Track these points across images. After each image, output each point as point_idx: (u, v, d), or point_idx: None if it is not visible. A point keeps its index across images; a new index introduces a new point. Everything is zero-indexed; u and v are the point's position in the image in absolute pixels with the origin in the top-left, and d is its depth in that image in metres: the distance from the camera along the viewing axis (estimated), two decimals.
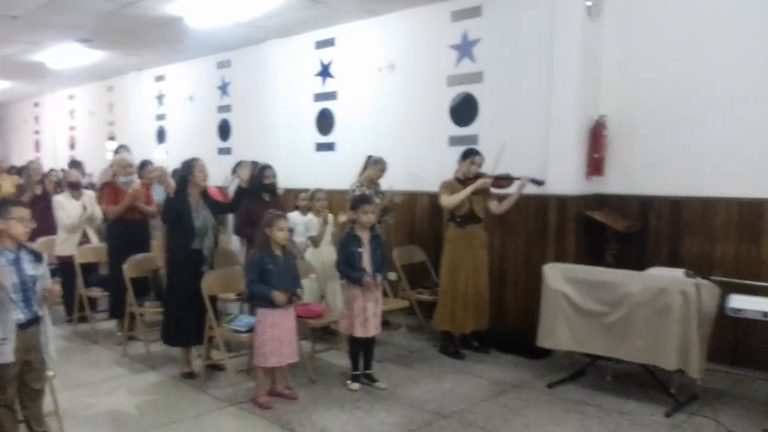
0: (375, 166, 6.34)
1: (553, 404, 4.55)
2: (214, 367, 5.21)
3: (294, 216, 6.36)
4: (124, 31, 8.17)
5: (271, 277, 4.49)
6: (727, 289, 4.27)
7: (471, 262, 5.55)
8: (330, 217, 6.18)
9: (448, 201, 5.50)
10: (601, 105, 5.83)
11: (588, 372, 5.00)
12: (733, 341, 5.08)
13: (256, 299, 4.61)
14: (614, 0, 5.80)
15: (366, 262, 4.82)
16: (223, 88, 9.63)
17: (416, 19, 7.06)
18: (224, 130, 9.69)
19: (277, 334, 4.50)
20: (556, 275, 4.85)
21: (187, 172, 5.05)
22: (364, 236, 4.88)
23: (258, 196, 5.91)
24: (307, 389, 4.82)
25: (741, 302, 4.01)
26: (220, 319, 4.99)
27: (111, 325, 6.42)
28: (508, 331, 5.91)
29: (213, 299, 4.97)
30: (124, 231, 6.01)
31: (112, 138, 12.18)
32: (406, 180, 6.76)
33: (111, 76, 11.89)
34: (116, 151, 7.74)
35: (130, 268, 5.50)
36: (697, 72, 5.35)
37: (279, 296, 4.46)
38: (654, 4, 5.60)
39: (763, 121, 5.04)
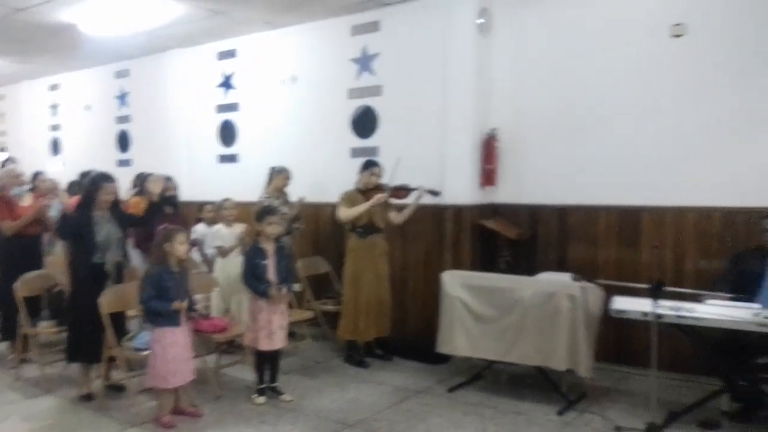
0: (279, 175, 6.36)
1: (454, 408, 4.67)
2: (115, 388, 5.01)
3: (200, 228, 6.27)
4: (15, 38, 7.74)
5: (169, 294, 4.33)
6: (610, 291, 4.49)
7: (372, 272, 5.63)
8: (242, 227, 6.11)
9: (345, 214, 5.57)
10: (493, 118, 6.03)
11: (485, 375, 5.17)
12: (617, 341, 5.37)
13: (153, 317, 4.41)
14: (504, 18, 6.02)
15: (271, 274, 4.79)
16: (122, 98, 9.30)
17: (317, 33, 7.08)
18: (123, 142, 9.34)
19: (176, 352, 4.35)
20: (454, 282, 4.98)
21: (94, 189, 4.83)
22: (269, 248, 4.85)
23: (159, 209, 5.75)
24: (212, 405, 4.73)
25: (623, 304, 4.21)
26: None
27: (2, 347, 6.06)
28: (410, 338, 6.02)
29: (119, 316, 4.81)
30: (17, 247, 5.67)
31: (2, 149, 11.52)
32: (309, 191, 6.73)
33: (2, 85, 11.23)
34: (3, 165, 7.32)
35: (22, 287, 5.22)
36: (581, 87, 5.64)
37: (179, 304, 4.30)
38: (540, 23, 5.86)
39: (639, 134, 5.36)
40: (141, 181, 6.47)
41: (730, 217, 4.99)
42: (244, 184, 7.10)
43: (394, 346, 5.88)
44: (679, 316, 3.93)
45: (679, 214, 5.20)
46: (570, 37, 5.70)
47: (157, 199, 5.40)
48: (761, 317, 3.71)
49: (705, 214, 5.10)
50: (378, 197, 5.51)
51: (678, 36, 5.18)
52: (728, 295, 4.06)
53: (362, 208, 5.52)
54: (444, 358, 5.48)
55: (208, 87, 8.11)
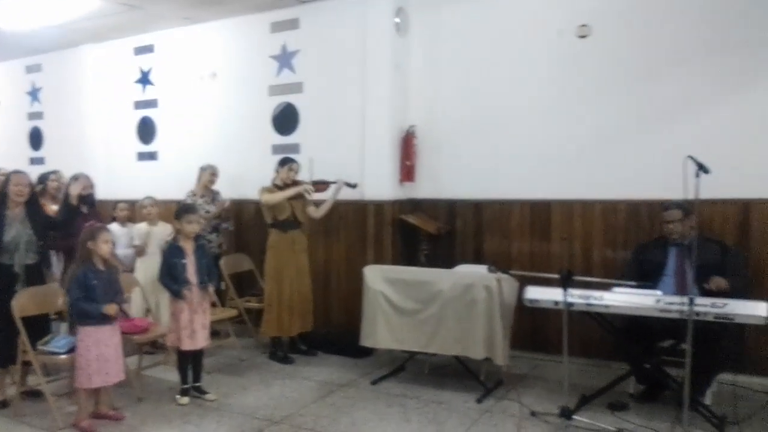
0: (204, 172, 6.27)
1: (377, 400, 4.67)
2: (31, 394, 4.75)
3: (114, 228, 6.02)
4: None
5: (96, 293, 4.15)
6: (524, 281, 4.56)
7: (294, 267, 5.56)
8: (165, 226, 5.93)
9: (269, 197, 5.48)
10: (411, 115, 6.07)
11: (407, 367, 5.20)
12: (532, 329, 5.50)
13: (82, 317, 4.21)
14: (420, 18, 6.06)
15: (191, 273, 4.66)
16: (34, 94, 8.82)
17: (237, 29, 6.92)
18: (35, 139, 8.87)
19: (102, 352, 4.16)
20: (375, 276, 4.98)
21: (3, 184, 4.59)
22: (188, 246, 4.71)
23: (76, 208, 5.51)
24: (134, 408, 4.56)
25: (535, 293, 4.26)
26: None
27: None
28: (334, 332, 6.00)
29: (41, 319, 4.56)
30: None
31: None
32: (231, 188, 6.61)
33: None
34: None
35: None
36: (493, 86, 5.74)
37: (111, 308, 4.14)
38: (454, 24, 5.91)
39: (548, 130, 5.50)
40: (43, 180, 6.18)
41: (635, 209, 5.19)
42: (165, 182, 6.90)
43: (318, 340, 5.84)
44: (588, 304, 4.03)
45: (587, 207, 5.37)
46: (482, 37, 5.79)
47: (77, 201, 5.20)
48: (662, 303, 3.84)
49: (611, 206, 5.28)
50: (305, 187, 5.46)
51: (584, 37, 5.35)
52: (633, 284, 4.18)
53: (288, 193, 5.45)
54: (368, 351, 5.49)
55: (125, 83, 7.80)
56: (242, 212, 6.76)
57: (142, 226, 5.96)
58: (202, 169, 6.33)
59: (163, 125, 7.57)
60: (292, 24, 6.53)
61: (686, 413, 3.63)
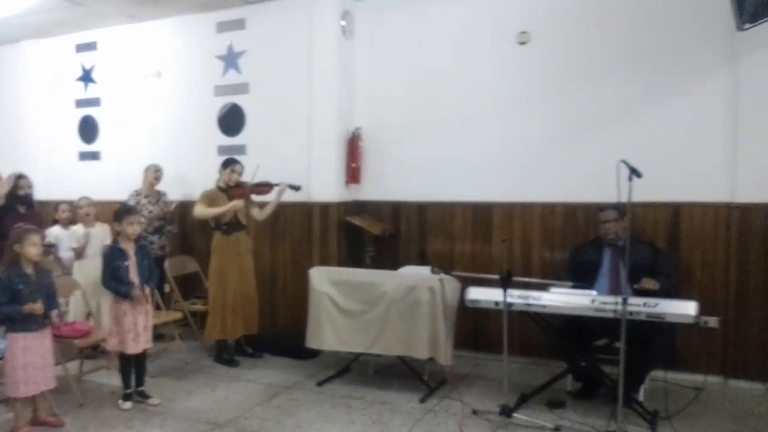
0: (148, 171, 6.15)
1: (323, 401, 4.64)
2: None
3: (55, 230, 5.84)
4: None
5: (23, 298, 3.95)
6: (466, 282, 4.57)
7: (238, 269, 5.48)
8: (103, 227, 5.76)
9: (199, 211, 5.43)
10: (357, 118, 6.06)
11: (353, 368, 5.19)
12: (474, 329, 5.55)
13: (8, 323, 4.01)
14: (366, 21, 6.04)
15: (133, 275, 4.54)
16: None
17: (182, 28, 6.77)
18: None
19: (30, 360, 3.98)
20: (321, 278, 4.94)
21: None
22: (130, 248, 4.59)
23: (12, 209, 5.32)
24: (74, 414, 4.42)
25: (477, 294, 4.30)
26: None
27: None
28: (280, 334, 5.94)
29: None
30: None
31: None
32: (177, 189, 6.49)
33: None
34: None
35: None
36: (436, 90, 5.76)
37: (32, 306, 3.94)
38: (399, 28, 5.92)
39: (490, 134, 5.55)
40: None
41: (571, 211, 5.28)
42: (108, 183, 6.72)
43: (264, 343, 5.76)
44: (527, 304, 4.09)
45: (526, 209, 5.44)
46: (426, 41, 5.80)
47: (4, 201, 5.00)
48: (597, 303, 3.92)
49: (549, 209, 5.36)
50: (235, 203, 5.38)
51: (523, 43, 5.41)
52: (570, 284, 4.26)
53: (217, 211, 5.39)
54: (314, 353, 5.45)
55: (67, 80, 7.54)
56: (187, 214, 6.59)
57: (78, 228, 5.76)
58: (147, 169, 6.22)
59: (105, 124, 7.34)
60: (238, 24, 6.42)
61: (620, 409, 3.71)
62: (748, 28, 4.23)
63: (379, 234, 5.76)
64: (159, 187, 6.31)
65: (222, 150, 6.48)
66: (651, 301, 3.86)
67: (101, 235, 5.74)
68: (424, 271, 4.83)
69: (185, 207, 6.51)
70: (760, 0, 3.91)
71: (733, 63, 4.75)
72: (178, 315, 5.70)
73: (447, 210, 5.74)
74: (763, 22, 4.17)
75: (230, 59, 6.50)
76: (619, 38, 5.10)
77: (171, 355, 5.73)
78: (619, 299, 3.70)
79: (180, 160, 6.69)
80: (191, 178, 6.51)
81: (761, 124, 4.66)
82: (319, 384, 4.98)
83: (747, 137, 4.70)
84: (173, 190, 6.40)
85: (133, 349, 4.54)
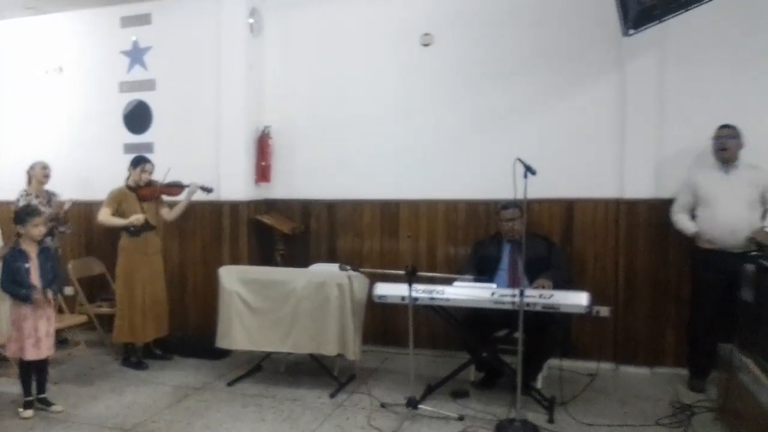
0: (32, 170, 5.78)
1: (233, 401, 4.57)
2: None
3: None
4: None
5: None
6: (374, 278, 4.61)
7: (147, 270, 5.31)
8: None
9: (102, 218, 5.25)
10: (266, 116, 5.96)
11: (264, 366, 5.13)
12: (382, 324, 5.60)
13: None
14: (273, 20, 5.95)
15: (35, 278, 4.32)
16: None
17: (85, 22, 6.46)
18: None
19: None
20: (231, 277, 4.85)
21: None
22: (32, 250, 4.37)
23: None
24: None
25: (384, 289, 4.37)
26: None
27: None
28: (190, 335, 5.80)
29: None
30: None
31: None
32: (80, 188, 6.20)
33: None
34: None
35: None
36: (343, 89, 5.75)
37: None
38: (306, 27, 5.87)
39: (396, 133, 5.59)
40: None
41: (473, 208, 5.39)
42: (1, 183, 6.36)
43: (174, 344, 5.59)
44: (431, 298, 4.18)
45: (431, 206, 5.51)
46: (333, 41, 5.78)
47: None
48: (497, 296, 4.03)
49: (452, 205, 5.45)
50: (136, 218, 5.21)
51: (427, 45, 5.48)
52: (472, 278, 4.37)
53: (120, 223, 5.23)
54: (225, 353, 5.34)
55: None
56: (92, 214, 6.30)
57: None
58: (32, 167, 5.78)
59: (2, 121, 6.93)
60: (144, 19, 6.20)
61: (519, 397, 3.82)
62: (632, 34, 4.42)
63: (289, 232, 5.71)
64: (49, 185, 5.88)
65: (128, 148, 6.24)
66: (546, 292, 4.00)
67: None
68: (333, 268, 4.82)
69: (90, 207, 6.22)
70: (642, 8, 4.09)
71: (620, 66, 4.97)
72: (82, 318, 5.46)
73: (356, 207, 5.75)
74: (645, 29, 4.37)
75: (136, 55, 6.27)
76: (517, 41, 5.24)
77: (76, 360, 5.49)
78: (517, 292, 3.80)
79: (83, 158, 6.41)
80: (96, 177, 6.23)
81: (645, 125, 4.90)
82: (230, 384, 4.90)
83: (633, 136, 4.93)
84: (77, 190, 6.09)
85: (33, 355, 4.32)
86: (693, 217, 4.60)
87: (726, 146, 4.42)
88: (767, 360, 3.40)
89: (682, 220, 4.63)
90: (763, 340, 3.50)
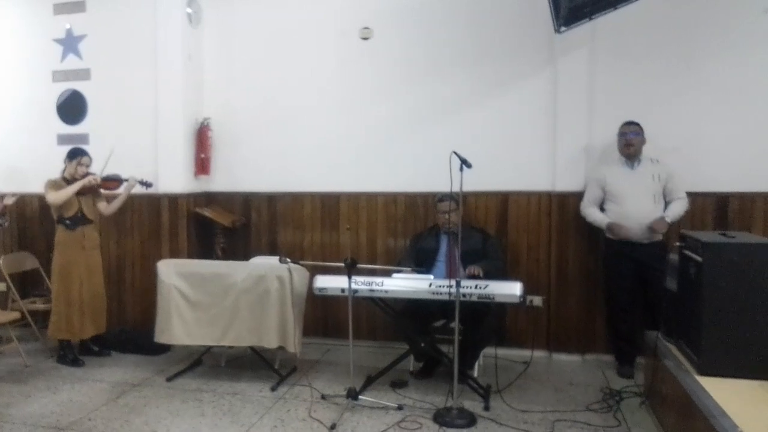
0: None
1: (172, 397, 4.49)
2: None
3: None
4: None
5: None
6: (315, 271, 4.61)
7: (84, 265, 5.14)
8: None
9: (55, 197, 4.99)
10: (206, 108, 5.86)
11: (204, 360, 5.07)
12: (323, 316, 5.60)
13: None
14: (212, 10, 5.83)
15: None
16: None
17: (15, 9, 6.21)
18: None
19: None
20: (169, 271, 4.76)
21: None
22: None
23: None
24: None
25: (323, 282, 4.35)
26: None
27: None
28: (128, 330, 5.67)
29: None
30: None
31: None
32: (12, 181, 5.98)
33: None
34: None
35: None
36: (282, 82, 5.69)
37: None
38: (245, 19, 5.78)
39: (336, 126, 5.58)
40: None
41: (412, 200, 5.42)
42: None
43: (112, 340, 5.46)
44: (371, 290, 4.19)
45: (371, 198, 5.52)
46: (272, 33, 5.70)
47: None
48: (434, 287, 4.07)
49: (392, 198, 5.47)
50: (90, 177, 5.04)
51: (366, 39, 5.47)
52: (409, 269, 4.40)
53: (73, 188, 5.00)
54: (165, 348, 5.26)
55: None
56: (24, 207, 6.11)
57: None
58: None
59: None
60: (78, 7, 5.99)
61: (456, 386, 3.90)
62: (563, 32, 4.52)
63: (229, 225, 5.63)
64: None
65: (62, 139, 6.04)
66: (482, 283, 4.05)
67: None
68: (274, 261, 4.79)
69: (22, 200, 5.97)
70: (572, 6, 4.18)
71: (552, 63, 5.07)
72: (15, 315, 5.26)
73: (296, 200, 5.71)
74: (575, 26, 4.47)
75: (69, 43, 6.05)
76: (454, 37, 5.28)
77: (8, 358, 5.30)
78: (453, 282, 3.87)
79: (14, 149, 6.18)
80: (28, 168, 6.02)
81: (574, 120, 5.01)
82: (169, 379, 4.82)
83: (563, 131, 5.04)
84: (8, 183, 5.88)
85: None
86: (602, 210, 4.75)
87: (632, 142, 4.61)
88: (689, 346, 3.56)
89: (593, 213, 4.78)
90: (686, 327, 3.65)
